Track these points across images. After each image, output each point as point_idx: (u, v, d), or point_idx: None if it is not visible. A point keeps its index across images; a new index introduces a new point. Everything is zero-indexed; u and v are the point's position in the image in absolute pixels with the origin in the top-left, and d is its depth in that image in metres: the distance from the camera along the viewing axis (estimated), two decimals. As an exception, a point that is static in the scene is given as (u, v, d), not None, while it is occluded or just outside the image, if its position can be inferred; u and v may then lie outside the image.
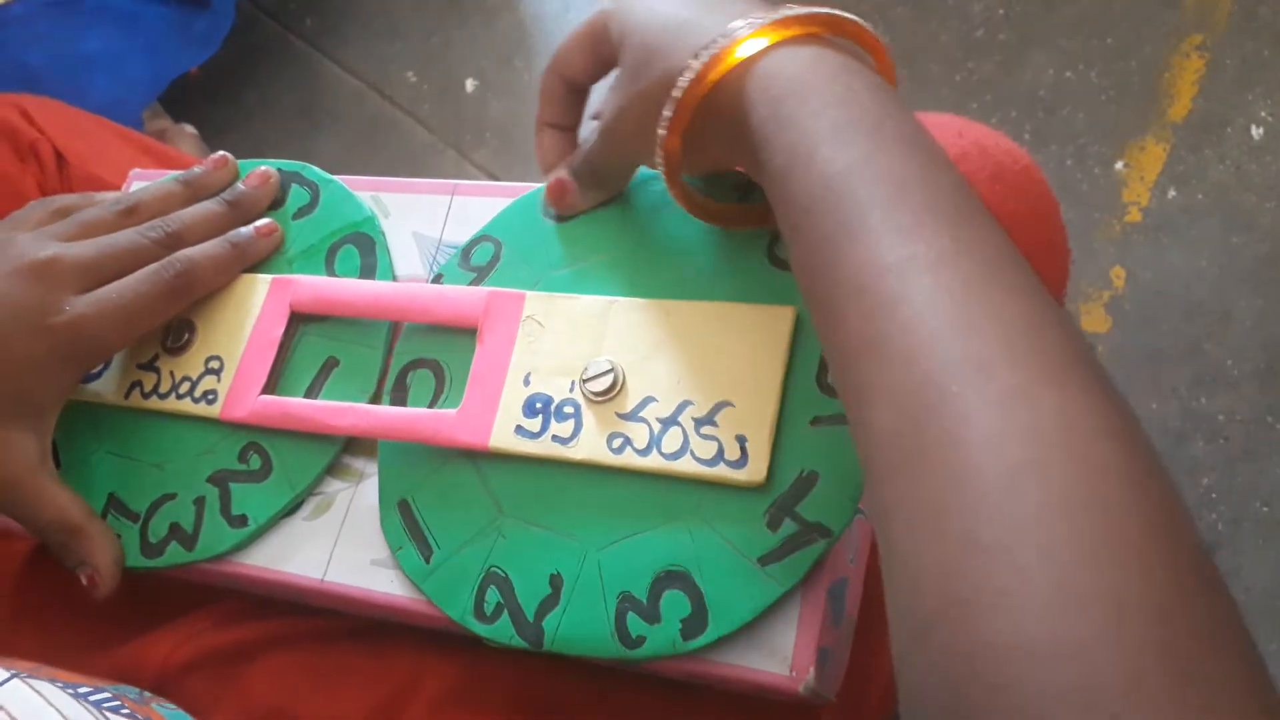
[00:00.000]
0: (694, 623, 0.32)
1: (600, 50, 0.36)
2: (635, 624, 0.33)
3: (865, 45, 0.32)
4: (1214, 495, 0.79)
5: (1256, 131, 0.89)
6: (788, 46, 0.30)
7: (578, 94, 0.39)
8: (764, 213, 0.34)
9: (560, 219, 0.39)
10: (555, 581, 0.34)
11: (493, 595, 0.34)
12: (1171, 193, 0.89)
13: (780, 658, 0.31)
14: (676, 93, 0.31)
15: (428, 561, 0.35)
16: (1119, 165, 0.91)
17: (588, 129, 0.38)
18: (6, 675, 0.30)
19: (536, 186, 0.40)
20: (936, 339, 0.24)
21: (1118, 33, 0.96)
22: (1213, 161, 0.89)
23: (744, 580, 0.32)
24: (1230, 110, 0.90)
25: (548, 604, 0.34)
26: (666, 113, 0.31)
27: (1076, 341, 0.25)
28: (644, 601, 0.33)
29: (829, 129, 0.28)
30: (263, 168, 0.44)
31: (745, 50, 0.30)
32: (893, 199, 0.27)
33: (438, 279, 0.40)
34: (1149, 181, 0.90)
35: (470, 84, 1.13)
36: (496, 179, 1.06)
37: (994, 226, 0.27)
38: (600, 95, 0.37)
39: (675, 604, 0.32)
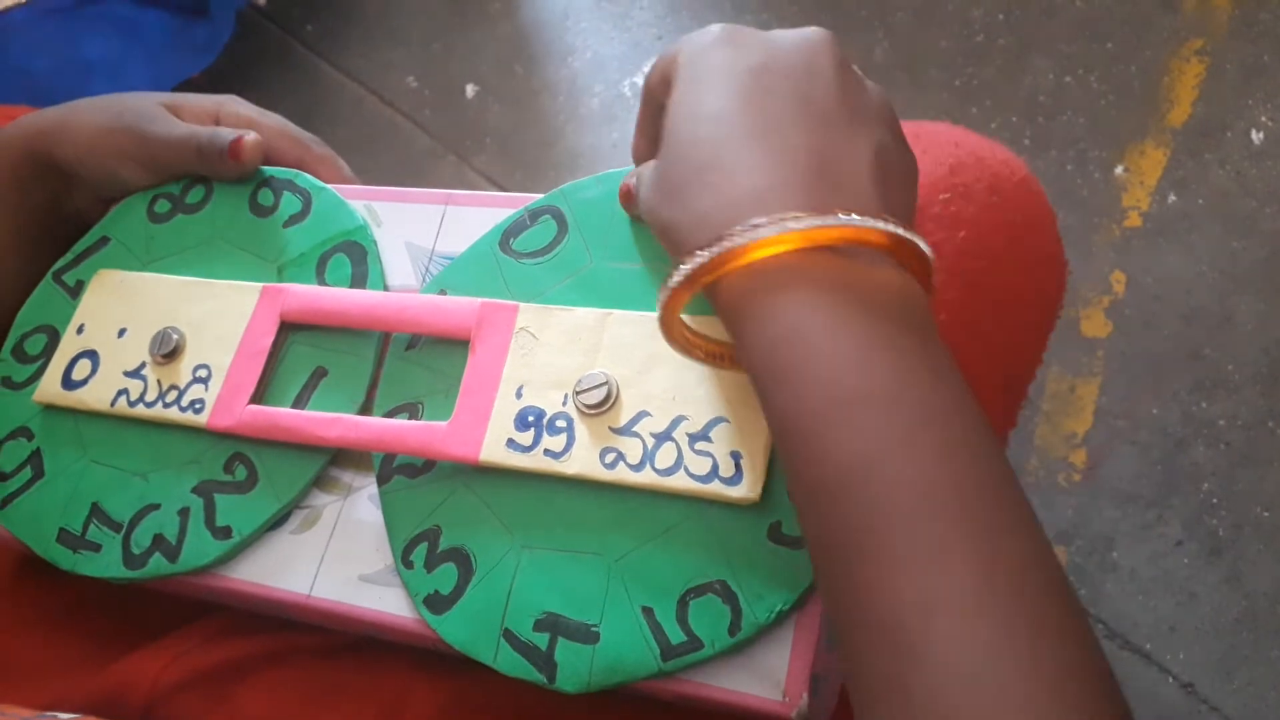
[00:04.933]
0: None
1: (668, 92, 0.33)
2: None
3: (896, 251, 0.28)
4: (1215, 500, 0.79)
5: (1256, 136, 0.89)
6: (789, 279, 0.27)
7: None
8: None
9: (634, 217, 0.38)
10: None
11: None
12: (1171, 197, 0.89)
13: (773, 682, 0.31)
14: (671, 281, 0.28)
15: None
16: (1119, 170, 0.91)
17: None
18: None
19: (535, 197, 0.40)
20: (961, 710, 0.22)
21: (1118, 37, 0.96)
22: (1213, 166, 0.89)
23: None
24: (1230, 115, 0.90)
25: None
26: (662, 293, 0.29)
27: (1104, 687, 0.23)
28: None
29: (833, 403, 0.25)
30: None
31: (748, 258, 0.27)
32: (910, 511, 0.24)
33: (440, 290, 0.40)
34: (1149, 186, 0.90)
35: (471, 90, 1.13)
36: (496, 184, 1.06)
37: (1027, 527, 0.24)
38: None
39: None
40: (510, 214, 0.40)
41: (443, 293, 0.39)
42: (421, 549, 0.36)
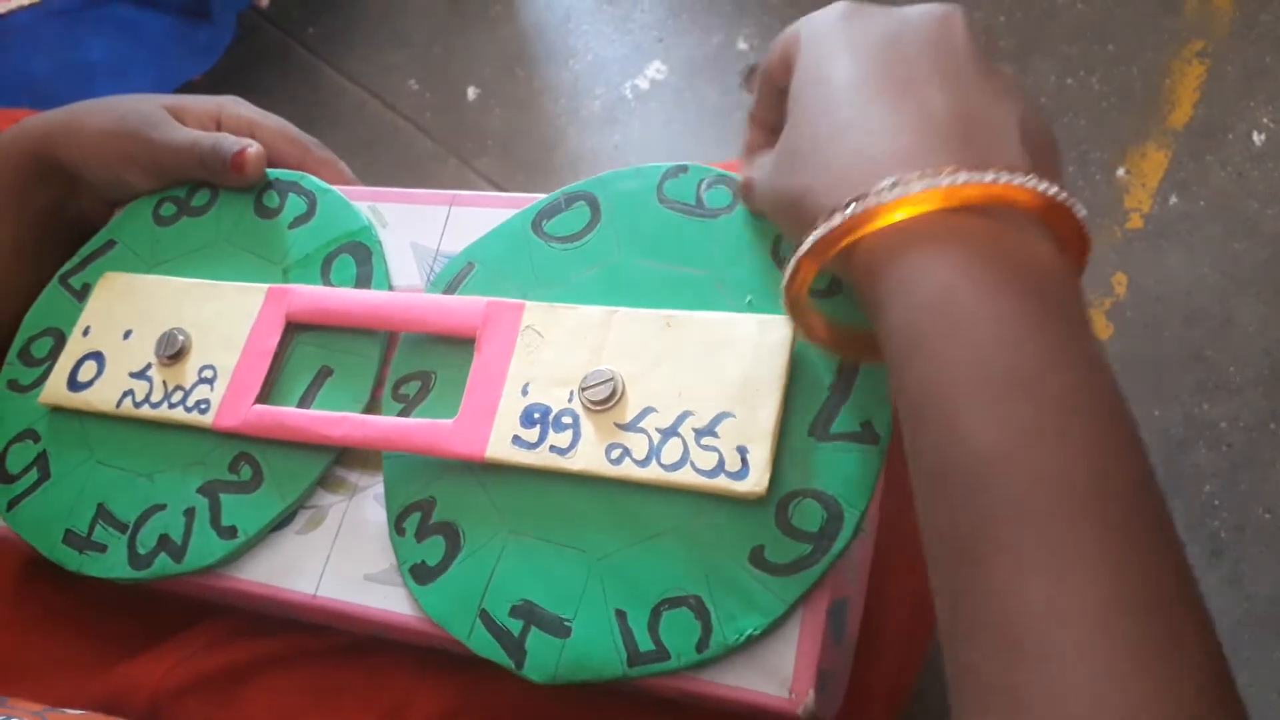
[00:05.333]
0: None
1: (788, 74, 0.31)
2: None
3: (1049, 215, 0.26)
4: (1216, 502, 0.79)
5: (1258, 138, 0.89)
6: (938, 241, 0.25)
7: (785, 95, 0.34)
8: None
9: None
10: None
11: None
12: (1173, 199, 0.89)
13: (779, 679, 0.31)
14: (804, 247, 0.26)
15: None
16: (1120, 172, 0.91)
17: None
18: None
19: (538, 198, 0.40)
20: None
21: (1119, 39, 0.96)
22: (1214, 168, 0.89)
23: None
24: (1232, 116, 0.90)
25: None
26: (792, 261, 0.27)
27: (1232, 710, 0.21)
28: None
29: (978, 382, 0.23)
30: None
31: (891, 217, 0.25)
32: (1048, 511, 0.22)
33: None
34: (1151, 188, 0.90)
35: (472, 92, 1.13)
36: (498, 187, 1.06)
37: (1167, 536, 0.23)
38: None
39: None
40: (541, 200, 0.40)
41: (470, 265, 0.39)
42: (415, 518, 0.36)
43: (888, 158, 0.26)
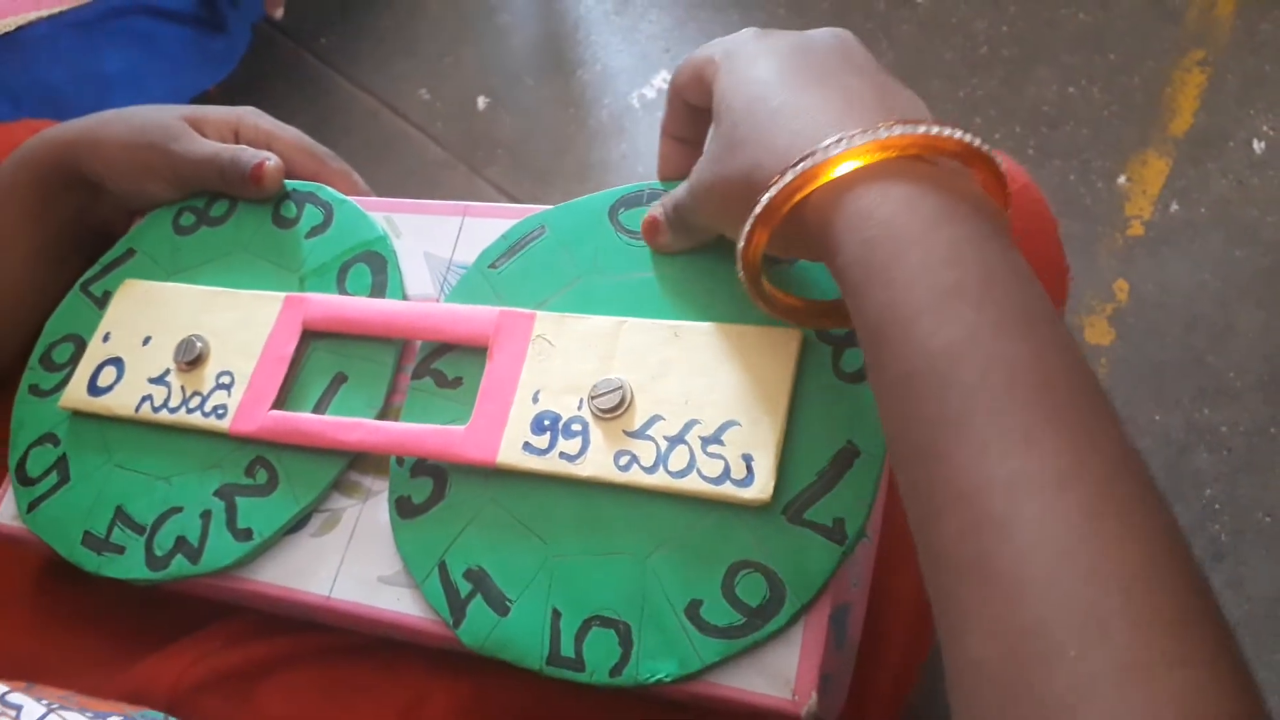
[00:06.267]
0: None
1: (704, 93, 0.34)
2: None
3: (972, 163, 0.29)
4: (1217, 506, 0.79)
5: (1258, 145, 0.90)
6: (882, 181, 0.27)
7: (700, 111, 0.37)
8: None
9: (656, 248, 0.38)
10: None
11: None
12: (1174, 206, 0.89)
13: (782, 681, 0.31)
14: (758, 208, 0.29)
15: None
16: (1122, 179, 0.91)
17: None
18: (43, 711, 0.31)
19: (544, 209, 0.41)
20: (1052, 582, 0.22)
21: (1120, 49, 0.96)
22: (1215, 175, 0.90)
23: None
24: (1232, 124, 0.91)
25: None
26: (747, 224, 0.30)
27: (1196, 584, 0.22)
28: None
29: (928, 294, 0.26)
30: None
31: (838, 170, 0.28)
32: (1002, 394, 0.24)
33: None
34: (1151, 195, 0.90)
35: (482, 101, 1.14)
36: (508, 194, 1.07)
37: (1111, 422, 0.24)
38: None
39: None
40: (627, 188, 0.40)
41: (542, 229, 0.40)
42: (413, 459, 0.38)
43: (827, 125, 0.29)
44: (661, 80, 1.09)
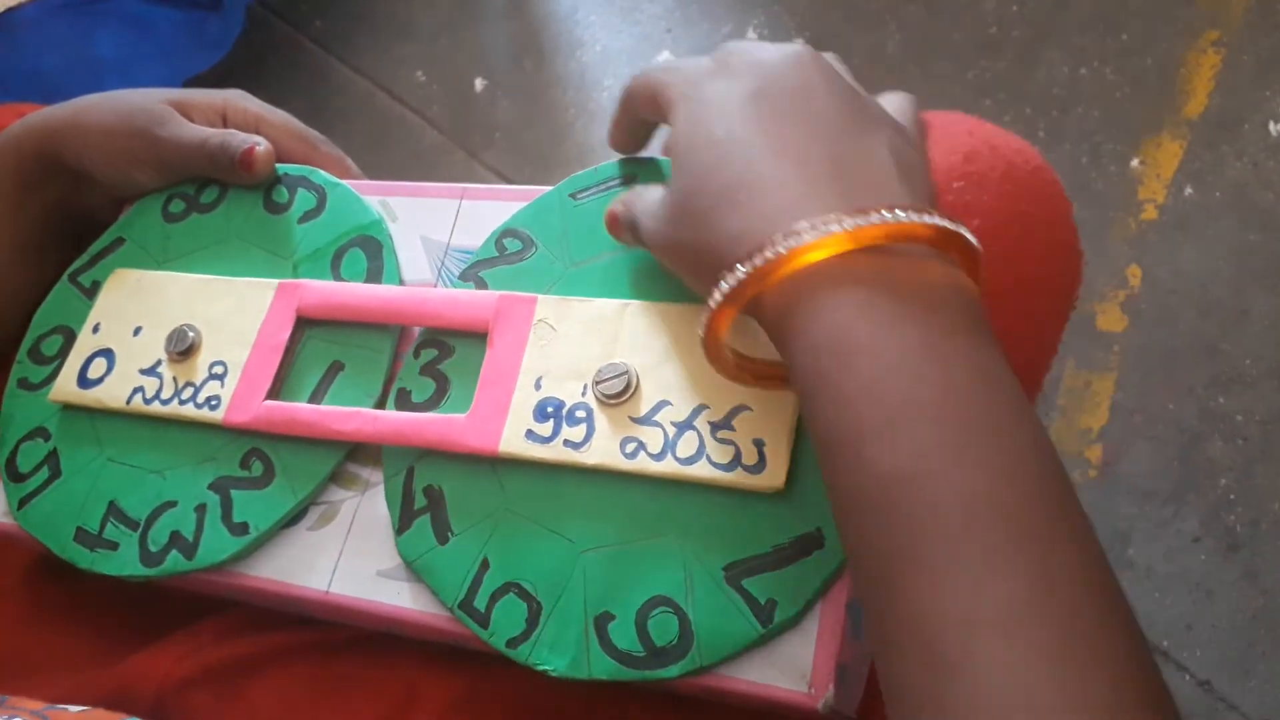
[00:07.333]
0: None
1: (658, 115, 0.34)
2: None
3: (941, 244, 0.27)
4: (1232, 496, 0.78)
5: (1274, 128, 0.89)
6: (833, 282, 0.26)
7: (647, 124, 0.37)
8: None
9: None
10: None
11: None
12: (1188, 190, 0.88)
13: (798, 674, 0.31)
14: (717, 295, 0.28)
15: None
16: (1135, 163, 0.90)
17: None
18: None
19: (546, 190, 0.40)
20: None
21: (1132, 29, 0.95)
22: (1230, 159, 0.88)
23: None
24: (1247, 107, 0.90)
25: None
26: (704, 315, 0.29)
27: (1167, 713, 0.22)
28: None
29: (877, 412, 0.25)
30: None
31: (793, 266, 0.27)
32: (956, 526, 0.23)
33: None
34: (1165, 179, 0.89)
35: (479, 84, 1.13)
36: (506, 178, 1.06)
37: (1081, 544, 0.24)
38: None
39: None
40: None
41: (574, 197, 0.39)
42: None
43: (782, 211, 0.27)
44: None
